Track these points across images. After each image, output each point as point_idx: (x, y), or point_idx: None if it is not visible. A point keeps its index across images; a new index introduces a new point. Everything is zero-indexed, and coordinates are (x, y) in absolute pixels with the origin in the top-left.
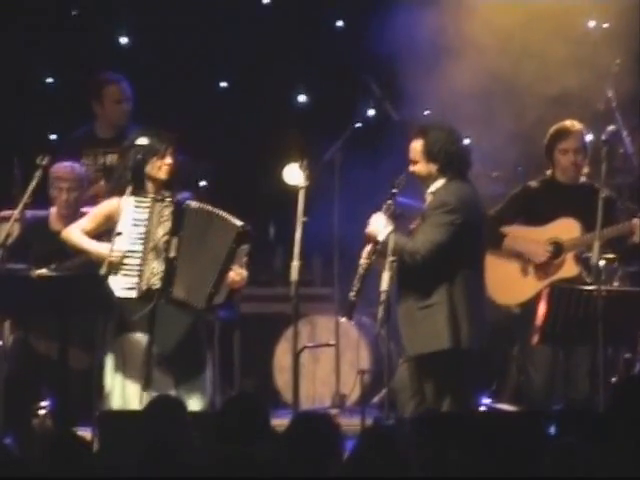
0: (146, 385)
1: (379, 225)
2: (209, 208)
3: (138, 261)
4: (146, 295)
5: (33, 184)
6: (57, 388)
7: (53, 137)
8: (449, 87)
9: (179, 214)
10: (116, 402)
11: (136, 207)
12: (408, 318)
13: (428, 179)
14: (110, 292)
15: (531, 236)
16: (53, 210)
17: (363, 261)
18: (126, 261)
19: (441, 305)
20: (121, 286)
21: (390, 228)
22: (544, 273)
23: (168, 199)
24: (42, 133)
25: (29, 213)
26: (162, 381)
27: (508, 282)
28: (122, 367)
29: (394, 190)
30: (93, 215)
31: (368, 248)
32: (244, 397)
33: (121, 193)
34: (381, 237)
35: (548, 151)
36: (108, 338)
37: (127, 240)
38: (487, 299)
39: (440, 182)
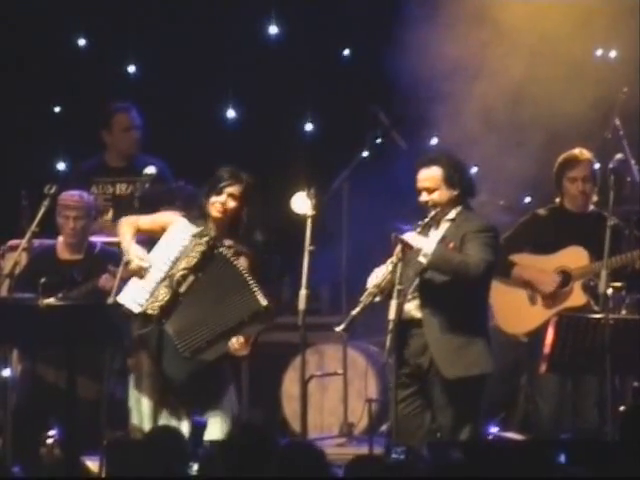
0: (155, 408)
1: (418, 238)
2: (241, 270)
3: (156, 281)
4: (144, 316)
5: (41, 213)
6: (65, 417)
7: (61, 167)
8: (455, 116)
9: (208, 256)
10: (135, 419)
11: (181, 231)
12: (447, 341)
13: (447, 206)
14: (118, 321)
15: (539, 264)
16: (60, 239)
17: (389, 265)
18: (147, 276)
19: (482, 328)
20: (130, 296)
21: (436, 239)
22: (552, 302)
23: (206, 238)
24: (50, 163)
25: (37, 242)
26: (175, 406)
27: (516, 311)
28: (137, 385)
29: (420, 228)
30: (154, 218)
31: (383, 271)
32: (250, 428)
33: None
34: (427, 248)
35: (557, 179)
36: (116, 366)
37: (158, 257)
38: (494, 328)
39: (458, 208)
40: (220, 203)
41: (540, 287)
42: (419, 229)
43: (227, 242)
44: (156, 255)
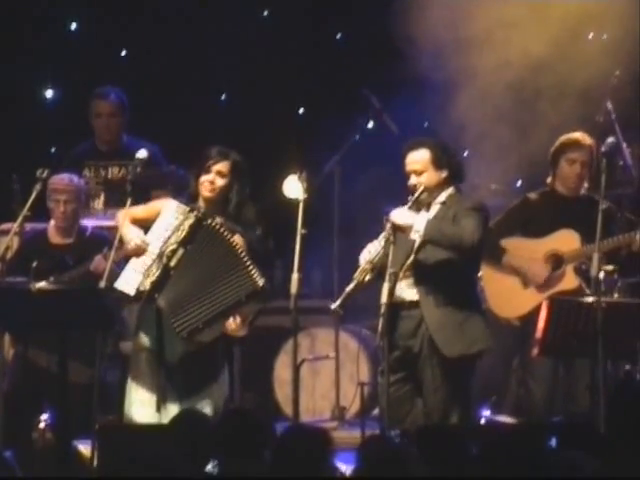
0: (157, 392)
1: (408, 215)
2: (234, 245)
3: (148, 262)
4: (138, 296)
5: (32, 197)
6: (57, 402)
7: (53, 150)
8: (449, 100)
9: (197, 229)
10: (127, 406)
11: (172, 210)
12: (446, 320)
13: (437, 188)
14: (110, 305)
15: (530, 248)
16: (51, 223)
17: (377, 247)
18: (141, 258)
19: (477, 305)
20: (125, 280)
21: (426, 215)
22: (544, 285)
23: (195, 212)
24: (42, 147)
25: (28, 226)
26: (167, 388)
27: (508, 295)
28: (131, 371)
29: (410, 203)
30: (148, 206)
31: (375, 247)
32: (241, 412)
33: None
34: (419, 224)
35: (554, 159)
36: (108, 351)
37: (152, 239)
38: (487, 311)
39: (449, 191)
40: (209, 182)
41: (530, 276)
42: (409, 204)
43: (219, 220)
44: (150, 238)
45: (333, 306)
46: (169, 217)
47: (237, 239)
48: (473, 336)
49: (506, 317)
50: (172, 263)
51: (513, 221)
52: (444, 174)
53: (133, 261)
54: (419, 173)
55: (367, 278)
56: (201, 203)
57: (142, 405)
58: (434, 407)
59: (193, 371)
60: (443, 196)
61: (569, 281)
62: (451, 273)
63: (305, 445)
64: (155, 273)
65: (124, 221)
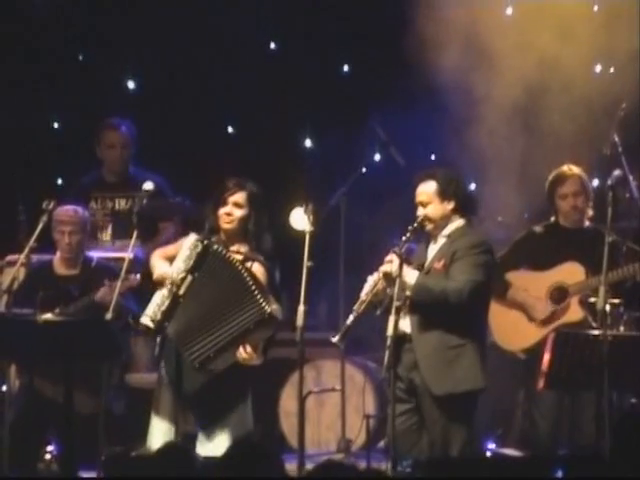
0: (170, 424)
1: (403, 269)
2: (240, 270)
3: (167, 294)
4: (157, 327)
5: (39, 228)
6: (63, 432)
7: (60, 182)
8: (456, 131)
9: (203, 255)
10: (149, 437)
11: (189, 244)
12: (435, 358)
13: (442, 220)
14: (116, 336)
15: (535, 281)
16: (57, 254)
17: (367, 288)
18: (162, 291)
19: (472, 344)
20: (145, 313)
21: (416, 271)
22: (549, 318)
23: (201, 238)
24: (49, 178)
25: (34, 258)
26: (187, 419)
27: (514, 328)
28: (154, 402)
29: (407, 236)
30: (178, 243)
31: (374, 277)
32: (249, 444)
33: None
34: (411, 280)
35: (549, 197)
36: (114, 382)
37: (173, 273)
38: (492, 345)
39: (456, 223)
40: (226, 213)
41: (532, 314)
42: (408, 234)
43: (242, 248)
44: (171, 271)
45: (334, 339)
46: (185, 249)
47: (257, 268)
48: (462, 375)
49: (512, 350)
50: (181, 291)
51: (518, 254)
52: (450, 206)
53: (156, 295)
54: (425, 205)
55: (376, 312)
56: (222, 236)
57: (163, 436)
58: (435, 439)
59: (211, 402)
60: (449, 229)
61: (574, 313)
62: (445, 311)
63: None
64: (165, 302)
65: (155, 258)
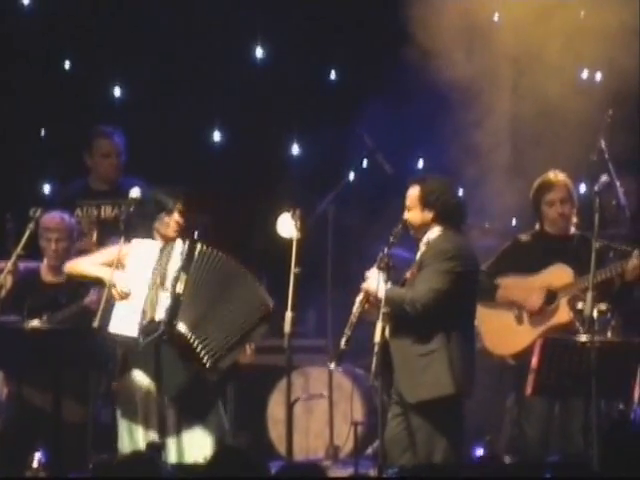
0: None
1: (375, 281)
2: (233, 264)
3: (142, 301)
4: (148, 327)
5: (26, 236)
6: (51, 440)
7: (46, 189)
8: (442, 139)
9: (190, 254)
10: (124, 443)
11: (146, 250)
12: (407, 366)
13: (421, 227)
14: (103, 344)
15: (524, 284)
16: (44, 261)
17: (355, 310)
18: (131, 300)
19: (441, 351)
20: (122, 323)
21: (388, 284)
22: (538, 320)
23: (180, 242)
24: (35, 186)
25: (22, 265)
26: (163, 424)
27: (503, 332)
28: (124, 406)
29: (391, 240)
30: (105, 252)
31: (360, 297)
32: (234, 451)
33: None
34: (380, 293)
35: (535, 205)
36: (101, 390)
37: (134, 281)
38: (482, 350)
39: (435, 231)
40: (175, 222)
41: (526, 305)
42: (392, 238)
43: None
44: (131, 279)
45: (331, 366)
46: (143, 255)
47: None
48: (431, 382)
49: (501, 354)
50: (179, 289)
51: (505, 263)
52: (430, 215)
53: (121, 305)
54: (409, 209)
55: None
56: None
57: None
58: (418, 446)
59: (190, 404)
60: (427, 237)
61: (563, 315)
62: (411, 320)
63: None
64: (166, 300)
65: (96, 266)
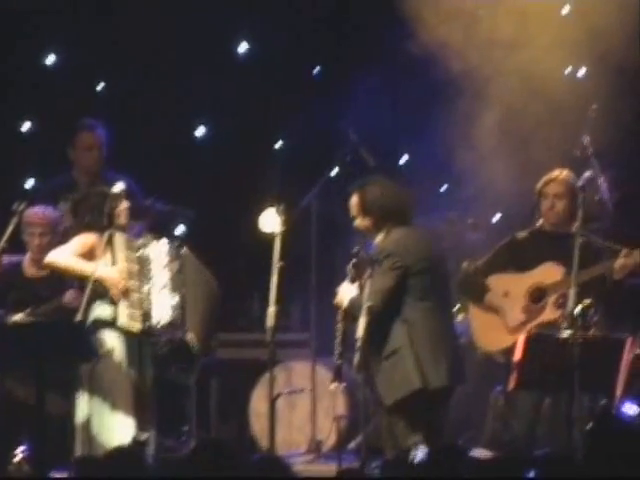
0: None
1: (343, 293)
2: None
3: (141, 296)
4: (155, 328)
5: (9, 230)
6: (34, 434)
7: (30, 184)
8: (428, 133)
9: (178, 253)
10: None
11: (129, 245)
12: (377, 369)
13: (368, 232)
14: (87, 337)
15: (514, 283)
16: (27, 255)
17: (338, 326)
18: (131, 295)
19: (405, 348)
20: (125, 315)
21: (353, 293)
22: (526, 318)
23: (164, 239)
24: (19, 180)
25: (5, 259)
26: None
27: (492, 328)
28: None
29: (355, 249)
30: (79, 243)
31: (339, 313)
32: (215, 443)
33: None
34: (345, 304)
35: (537, 201)
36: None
37: (125, 275)
38: (469, 345)
39: (380, 235)
40: (126, 208)
41: (505, 319)
42: (348, 271)
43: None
44: (116, 272)
45: (332, 387)
46: (127, 250)
47: None
48: (398, 380)
49: (490, 350)
50: (183, 290)
51: (501, 260)
52: (370, 220)
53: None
54: (354, 217)
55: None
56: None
57: (125, 429)
58: (397, 440)
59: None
60: (377, 239)
61: (549, 313)
62: (379, 320)
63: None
64: (172, 303)
65: (79, 262)
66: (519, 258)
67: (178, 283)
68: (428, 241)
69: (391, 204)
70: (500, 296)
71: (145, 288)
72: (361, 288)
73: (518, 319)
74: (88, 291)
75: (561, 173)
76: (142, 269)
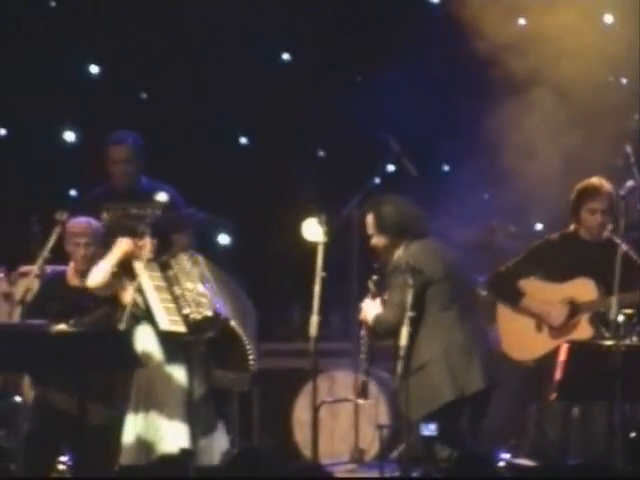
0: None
1: (368, 309)
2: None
3: (175, 302)
4: (199, 324)
5: (52, 239)
6: (76, 443)
7: (72, 193)
8: (467, 145)
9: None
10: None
11: (149, 266)
12: (410, 388)
13: (385, 250)
14: (130, 347)
15: (547, 293)
16: (71, 265)
17: (362, 341)
18: (165, 304)
19: (433, 363)
20: (167, 321)
21: (378, 309)
22: (558, 332)
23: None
24: (61, 189)
25: (48, 269)
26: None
27: (522, 338)
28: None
29: (374, 265)
30: (113, 256)
31: (363, 329)
32: (254, 451)
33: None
34: (370, 320)
35: (574, 208)
36: (127, 393)
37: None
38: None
39: (398, 252)
40: (152, 243)
41: (548, 319)
42: (375, 265)
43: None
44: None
45: (360, 402)
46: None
47: None
48: (430, 395)
49: (519, 360)
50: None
51: (533, 262)
52: (387, 238)
53: (158, 304)
54: (370, 236)
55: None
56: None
57: (176, 436)
58: (431, 452)
59: (209, 409)
60: (395, 256)
61: (583, 331)
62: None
63: None
64: (205, 299)
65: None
66: (551, 261)
67: (204, 281)
68: (443, 250)
69: (406, 220)
70: (539, 301)
71: (177, 292)
72: (384, 304)
73: (557, 323)
74: (131, 296)
75: (603, 185)
76: (167, 279)
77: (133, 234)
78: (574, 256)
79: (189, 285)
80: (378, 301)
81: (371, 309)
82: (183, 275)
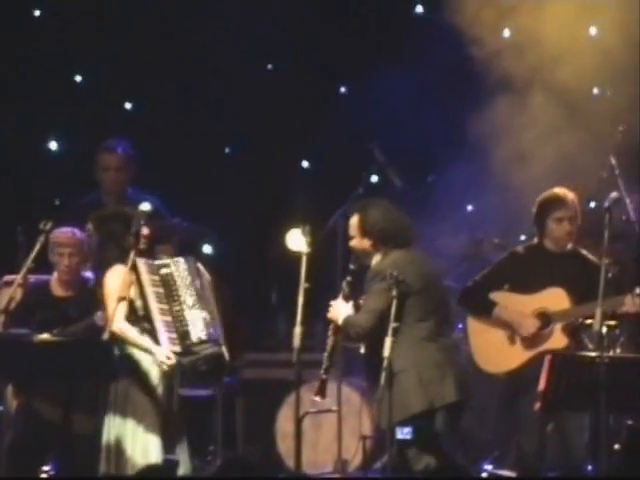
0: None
1: (338, 309)
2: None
3: (174, 317)
4: (192, 346)
5: (36, 249)
6: (61, 453)
7: (58, 203)
8: (454, 154)
9: (197, 270)
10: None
11: (151, 269)
12: (382, 394)
13: (364, 254)
14: (113, 357)
15: (519, 305)
16: (54, 275)
17: (328, 340)
18: (163, 318)
19: (404, 373)
20: (166, 337)
21: (349, 310)
22: (531, 343)
23: (178, 258)
24: (47, 199)
25: (32, 278)
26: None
27: (494, 351)
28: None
29: (351, 267)
30: (122, 283)
31: (330, 327)
32: (241, 462)
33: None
34: (340, 321)
35: (539, 219)
36: (111, 401)
37: (151, 300)
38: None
39: (377, 257)
40: (147, 234)
41: (519, 330)
42: (350, 266)
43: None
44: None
45: (317, 399)
46: (151, 275)
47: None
48: (400, 404)
49: (492, 372)
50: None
51: (499, 275)
52: (369, 242)
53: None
54: (351, 237)
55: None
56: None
57: (153, 449)
58: (409, 464)
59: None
60: (373, 261)
61: (557, 340)
62: (371, 346)
63: None
64: (199, 320)
65: (138, 337)
66: (518, 274)
67: (204, 299)
68: (424, 261)
69: (392, 228)
70: (510, 311)
71: (176, 309)
72: (357, 308)
73: (528, 333)
74: (115, 309)
75: (566, 194)
76: (168, 291)
77: (116, 239)
78: (541, 268)
79: (188, 300)
80: (351, 303)
81: (342, 309)
82: (183, 286)
